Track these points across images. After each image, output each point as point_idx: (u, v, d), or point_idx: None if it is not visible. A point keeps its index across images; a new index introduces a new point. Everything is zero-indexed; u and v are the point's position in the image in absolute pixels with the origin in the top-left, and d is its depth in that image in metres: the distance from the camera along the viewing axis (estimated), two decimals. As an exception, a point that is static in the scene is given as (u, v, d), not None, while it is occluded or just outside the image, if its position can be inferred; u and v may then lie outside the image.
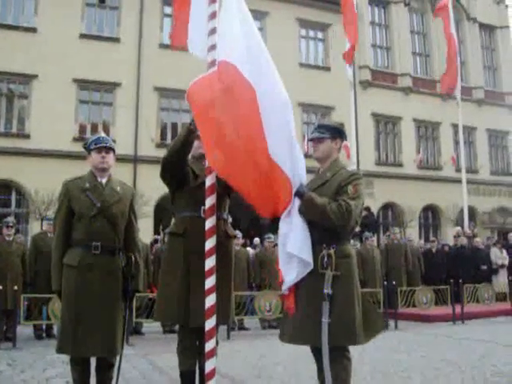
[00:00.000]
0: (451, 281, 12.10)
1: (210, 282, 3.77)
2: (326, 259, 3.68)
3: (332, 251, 3.70)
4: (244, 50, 3.86)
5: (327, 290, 3.64)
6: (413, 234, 21.68)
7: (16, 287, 8.88)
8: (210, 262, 3.80)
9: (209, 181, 3.93)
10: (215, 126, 3.68)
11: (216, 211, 3.94)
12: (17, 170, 18.49)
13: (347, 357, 3.80)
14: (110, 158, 4.20)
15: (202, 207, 4.00)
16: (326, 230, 3.72)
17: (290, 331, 3.82)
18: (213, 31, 4.06)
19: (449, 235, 22.52)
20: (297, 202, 3.76)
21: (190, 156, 4.30)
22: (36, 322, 9.59)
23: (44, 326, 9.71)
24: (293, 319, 3.79)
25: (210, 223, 3.86)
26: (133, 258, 4.12)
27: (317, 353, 3.79)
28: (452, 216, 24.51)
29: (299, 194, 3.75)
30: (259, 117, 3.70)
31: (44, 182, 15.99)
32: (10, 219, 10.14)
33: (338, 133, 4.09)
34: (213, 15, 4.10)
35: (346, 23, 16.78)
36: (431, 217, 26.71)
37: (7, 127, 19.59)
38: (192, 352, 4.21)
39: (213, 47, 4.03)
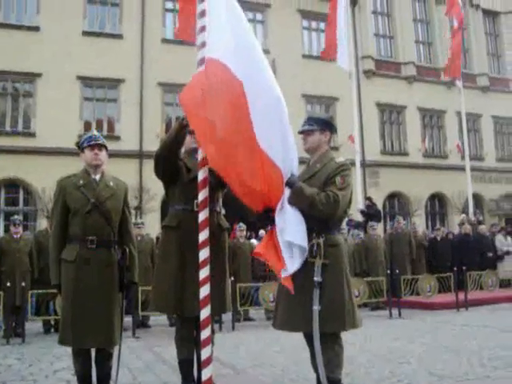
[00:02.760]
0: (454, 268, 12.14)
1: (203, 272, 3.88)
2: (315, 248, 3.80)
3: (321, 240, 3.82)
4: (232, 46, 3.93)
5: (317, 278, 3.76)
6: (420, 222, 21.75)
7: (24, 283, 9.06)
8: (203, 254, 3.91)
9: (201, 175, 4.03)
10: (206, 123, 3.77)
11: (209, 204, 4.05)
12: (24, 169, 18.70)
13: (339, 343, 3.91)
14: (103, 154, 4.34)
15: (195, 201, 4.10)
16: (315, 219, 3.83)
17: (282, 318, 3.96)
18: (202, 29, 4.14)
19: (456, 223, 22.55)
20: (287, 192, 3.87)
21: (182, 151, 4.42)
22: (44, 318, 9.79)
23: (52, 321, 9.88)
24: (284, 307, 3.92)
25: (202, 216, 3.97)
26: (127, 251, 4.26)
27: (309, 339, 3.91)
28: (458, 204, 24.51)
29: (289, 184, 3.86)
30: (248, 111, 3.79)
31: (51, 180, 15.78)
32: (17, 217, 10.38)
33: (326, 125, 4.20)
34: (202, 13, 4.17)
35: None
36: (438, 205, 26.70)
37: (13, 126, 19.78)
38: (189, 341, 4.34)
39: (203, 45, 4.10)
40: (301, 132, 4.20)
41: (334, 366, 3.84)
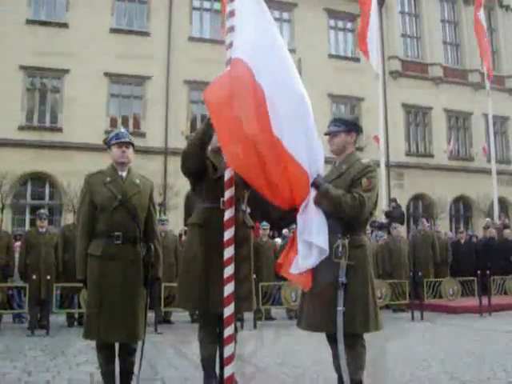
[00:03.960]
0: (478, 272, 12.02)
1: (228, 270, 3.92)
2: (340, 249, 3.80)
3: (346, 241, 3.82)
4: (255, 46, 3.96)
5: (342, 279, 3.76)
6: (443, 225, 21.53)
7: (49, 277, 9.18)
8: (228, 252, 3.95)
9: (228, 173, 4.07)
10: (231, 121, 3.80)
11: (235, 202, 4.08)
12: (50, 163, 18.96)
13: (362, 344, 3.92)
14: (130, 152, 4.40)
15: (222, 199, 4.14)
16: (341, 220, 3.84)
17: (306, 319, 3.97)
18: (231, 29, 4.16)
19: (480, 227, 22.28)
20: (313, 193, 3.88)
21: (209, 149, 4.45)
22: (68, 311, 9.92)
23: (76, 315, 10.01)
24: (309, 307, 3.93)
25: (228, 214, 4.01)
26: (152, 247, 4.32)
27: (332, 340, 3.92)
28: (483, 207, 24.18)
29: (315, 184, 3.87)
30: (267, 113, 3.81)
31: (76, 175, 16.25)
32: (43, 211, 10.51)
33: (353, 126, 4.19)
34: (231, 14, 4.20)
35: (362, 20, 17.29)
36: (462, 208, 26.40)
37: (40, 121, 20.05)
38: (212, 338, 4.37)
39: (231, 45, 4.13)
40: (327, 133, 4.20)
41: (357, 367, 3.84)
